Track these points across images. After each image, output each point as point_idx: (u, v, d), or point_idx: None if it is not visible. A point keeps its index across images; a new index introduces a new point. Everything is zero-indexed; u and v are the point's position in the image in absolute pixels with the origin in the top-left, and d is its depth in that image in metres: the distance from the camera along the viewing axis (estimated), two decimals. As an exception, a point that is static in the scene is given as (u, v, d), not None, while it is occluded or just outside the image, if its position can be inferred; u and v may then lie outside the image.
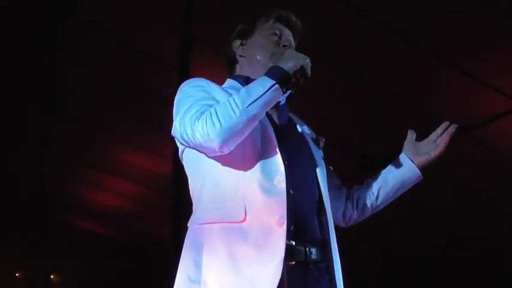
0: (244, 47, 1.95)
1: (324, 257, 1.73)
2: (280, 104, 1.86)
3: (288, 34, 1.94)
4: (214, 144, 1.61)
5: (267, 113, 1.78)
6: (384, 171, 2.02)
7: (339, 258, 1.76)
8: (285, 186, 1.66)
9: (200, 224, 1.70)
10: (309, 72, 1.71)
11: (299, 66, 1.69)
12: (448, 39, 4.01)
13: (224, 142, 1.61)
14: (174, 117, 1.75)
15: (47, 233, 8.06)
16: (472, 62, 4.17)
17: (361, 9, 3.93)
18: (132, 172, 6.73)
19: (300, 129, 1.92)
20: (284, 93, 1.70)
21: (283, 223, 1.61)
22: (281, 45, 1.90)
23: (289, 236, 1.64)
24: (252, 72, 1.89)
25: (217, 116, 1.60)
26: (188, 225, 1.76)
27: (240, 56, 1.95)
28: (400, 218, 5.85)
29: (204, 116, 1.62)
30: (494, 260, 6.88)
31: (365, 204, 1.99)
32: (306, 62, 1.70)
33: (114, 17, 4.47)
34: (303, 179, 1.77)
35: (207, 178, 1.73)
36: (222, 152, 1.64)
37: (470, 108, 4.66)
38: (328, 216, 1.78)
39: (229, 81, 1.93)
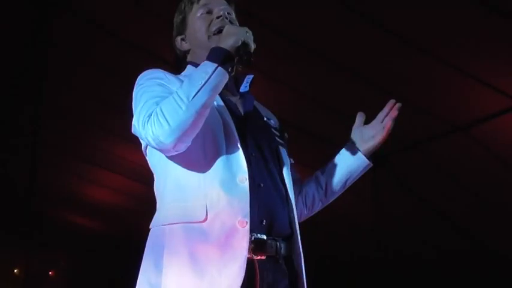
0: (184, 41, 1.87)
1: (290, 251, 1.69)
2: (244, 91, 1.78)
3: (219, 4, 1.83)
4: (167, 145, 1.53)
5: (231, 103, 1.72)
6: (330, 164, 1.92)
7: (302, 253, 1.71)
8: (247, 184, 1.58)
9: (162, 225, 1.63)
10: (252, 46, 1.62)
11: (240, 42, 1.59)
12: (448, 39, 4.01)
13: (177, 141, 1.53)
14: (133, 114, 1.66)
15: (46, 230, 8.07)
16: (471, 61, 4.17)
17: (361, 10, 3.93)
18: (132, 169, 6.72)
19: (266, 120, 1.84)
20: (230, 73, 1.60)
21: (247, 223, 1.55)
22: (214, 19, 1.80)
23: (262, 229, 1.59)
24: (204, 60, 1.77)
25: (163, 115, 1.51)
26: (150, 226, 1.69)
27: (186, 51, 1.87)
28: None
29: (152, 118, 1.53)
30: (494, 260, 6.87)
31: (314, 200, 1.91)
32: (247, 35, 1.61)
33: (114, 16, 4.47)
34: (271, 172, 1.70)
35: (170, 176, 1.65)
36: (178, 150, 1.57)
37: (470, 108, 4.66)
38: (294, 211, 1.72)
39: (190, 68, 1.83)
